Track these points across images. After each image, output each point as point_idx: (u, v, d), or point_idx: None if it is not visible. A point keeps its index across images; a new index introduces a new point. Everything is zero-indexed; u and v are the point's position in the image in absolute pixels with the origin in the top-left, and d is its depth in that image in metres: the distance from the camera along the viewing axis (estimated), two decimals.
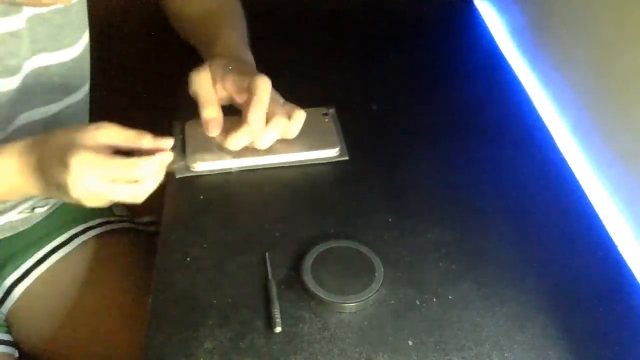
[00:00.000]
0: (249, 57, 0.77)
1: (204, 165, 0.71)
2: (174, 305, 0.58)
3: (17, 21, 0.66)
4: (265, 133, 0.68)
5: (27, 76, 0.70)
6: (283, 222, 0.66)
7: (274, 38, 0.81)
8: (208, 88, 0.70)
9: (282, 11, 0.96)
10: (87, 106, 0.85)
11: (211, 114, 0.70)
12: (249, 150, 0.70)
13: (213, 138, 0.71)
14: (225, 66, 0.71)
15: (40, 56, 0.70)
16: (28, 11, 0.66)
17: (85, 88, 0.81)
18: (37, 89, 0.72)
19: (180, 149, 0.72)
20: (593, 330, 0.57)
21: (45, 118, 0.76)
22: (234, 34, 0.81)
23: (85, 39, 0.76)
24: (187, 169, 0.70)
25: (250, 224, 0.65)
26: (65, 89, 0.77)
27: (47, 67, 0.72)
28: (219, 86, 0.70)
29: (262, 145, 0.70)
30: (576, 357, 0.55)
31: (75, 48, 0.74)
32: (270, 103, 0.67)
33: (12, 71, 0.68)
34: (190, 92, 0.71)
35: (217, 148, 0.71)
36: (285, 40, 0.80)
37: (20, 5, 0.64)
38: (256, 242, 0.64)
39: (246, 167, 0.71)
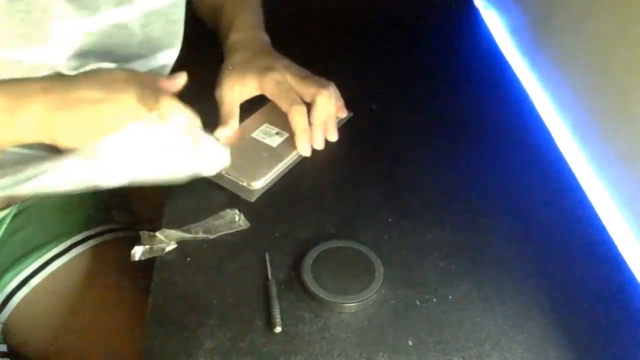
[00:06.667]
0: (265, 37, 0.83)
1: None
2: (174, 305, 0.58)
3: None
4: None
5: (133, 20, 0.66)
6: (283, 222, 0.66)
7: (274, 38, 0.82)
8: (231, 100, 0.75)
9: (282, 11, 0.96)
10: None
11: (229, 128, 0.74)
12: None
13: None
14: (244, 62, 0.76)
15: None
16: None
17: (176, 51, 0.74)
18: (134, 37, 0.68)
19: None
20: (593, 330, 0.57)
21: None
22: (250, 17, 0.85)
23: None
24: None
25: (250, 223, 0.65)
26: (157, 45, 0.72)
27: (154, 10, 0.68)
28: (237, 86, 0.75)
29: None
30: (576, 357, 0.55)
31: None
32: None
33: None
34: (216, 95, 0.76)
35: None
36: (286, 40, 0.81)
37: None
38: (256, 242, 0.64)
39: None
